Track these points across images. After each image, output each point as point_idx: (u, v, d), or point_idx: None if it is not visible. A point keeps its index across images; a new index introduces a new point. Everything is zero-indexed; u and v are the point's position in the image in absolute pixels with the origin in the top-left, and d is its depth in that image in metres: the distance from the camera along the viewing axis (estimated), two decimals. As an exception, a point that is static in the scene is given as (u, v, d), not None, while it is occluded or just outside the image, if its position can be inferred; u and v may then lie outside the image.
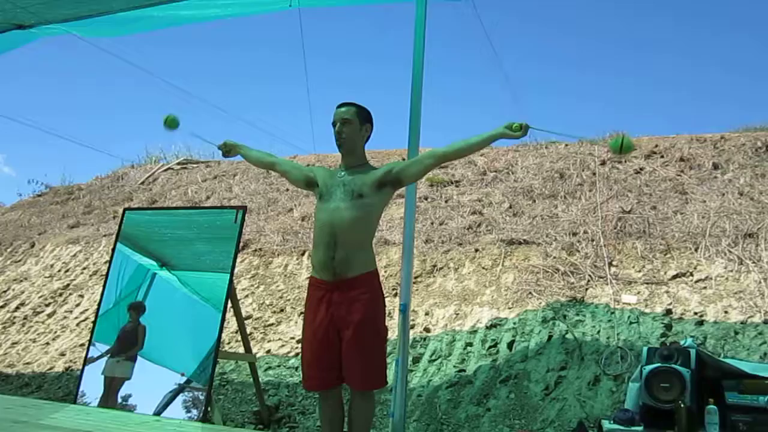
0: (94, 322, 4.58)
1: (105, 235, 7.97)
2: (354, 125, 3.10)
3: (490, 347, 4.73)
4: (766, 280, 4.59)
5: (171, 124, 3.65)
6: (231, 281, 4.08)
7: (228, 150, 3.57)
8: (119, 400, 4.14)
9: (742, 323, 4.31)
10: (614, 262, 5.20)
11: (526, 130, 2.83)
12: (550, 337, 4.63)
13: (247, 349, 4.33)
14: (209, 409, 3.89)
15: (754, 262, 4.79)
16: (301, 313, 3.20)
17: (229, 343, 5.52)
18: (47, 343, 6.36)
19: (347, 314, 2.93)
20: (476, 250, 5.80)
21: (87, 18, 4.85)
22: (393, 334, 4.79)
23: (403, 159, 3.76)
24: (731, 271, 4.79)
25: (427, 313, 5.27)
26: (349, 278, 2.95)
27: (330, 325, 2.95)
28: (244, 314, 5.24)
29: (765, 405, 3.02)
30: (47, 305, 7.03)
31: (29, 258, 8.24)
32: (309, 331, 3.07)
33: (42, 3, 4.59)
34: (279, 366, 5.17)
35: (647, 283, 4.88)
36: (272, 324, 5.73)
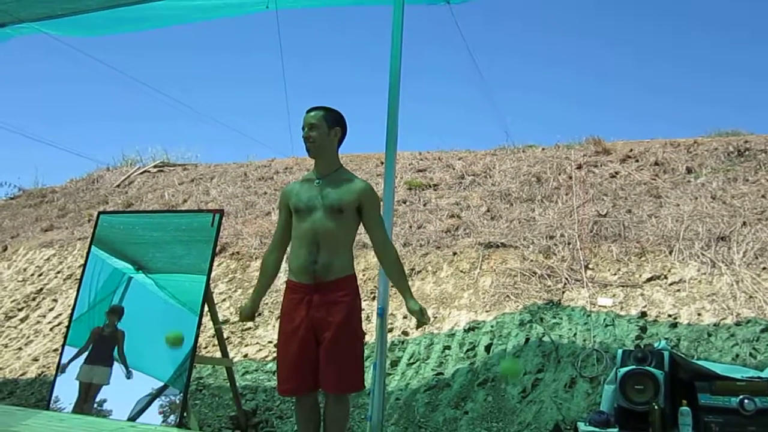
0: (68, 327, 4.51)
1: (80, 239, 7.86)
2: (321, 129, 3.08)
3: (467, 350, 4.75)
4: (737, 283, 4.67)
5: (175, 342, 3.88)
6: (208, 285, 4.05)
7: (250, 315, 3.34)
8: (94, 405, 4.08)
9: (714, 325, 4.38)
10: (590, 265, 5.25)
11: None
12: (527, 339, 4.66)
13: (224, 353, 4.30)
14: (185, 414, 3.85)
15: (726, 265, 4.86)
16: (279, 317, 3.18)
17: (206, 347, 5.48)
18: (20, 348, 6.25)
19: (327, 316, 2.92)
20: (454, 254, 5.82)
21: (61, 17, 4.79)
22: (371, 337, 4.79)
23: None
24: (704, 273, 4.86)
25: (405, 317, 5.28)
26: (329, 281, 2.95)
27: (309, 328, 2.94)
28: (221, 318, 5.20)
29: (737, 406, 3.07)
30: (20, 310, 6.91)
31: (1, 262, 8.10)
32: (286, 334, 3.05)
33: (15, 1, 4.52)
34: (256, 370, 5.14)
35: (622, 286, 4.94)
36: (249, 328, 5.70)
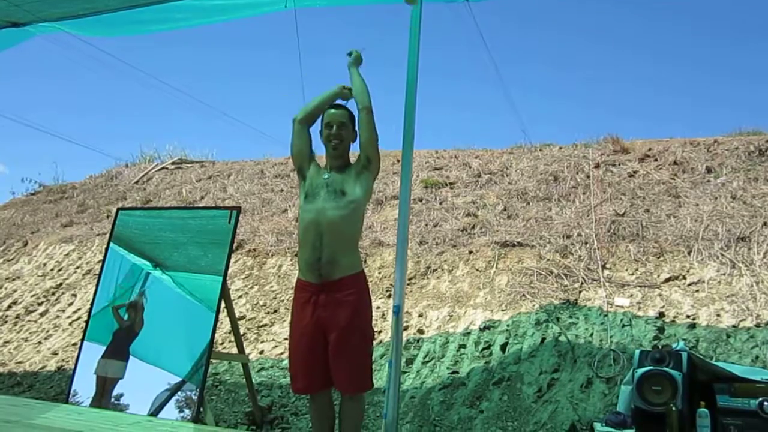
0: (86, 322, 4.56)
1: (98, 235, 7.94)
2: (348, 128, 3.14)
3: (483, 349, 4.74)
4: (758, 284, 4.62)
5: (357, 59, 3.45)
6: (224, 283, 4.08)
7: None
8: (111, 399, 4.13)
9: (733, 327, 4.33)
10: (607, 265, 5.21)
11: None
12: (543, 339, 4.64)
13: (240, 349, 4.32)
14: (201, 409, 3.88)
15: (746, 266, 4.81)
16: (291, 315, 3.21)
17: (222, 343, 5.51)
18: (39, 342, 6.33)
19: (333, 317, 2.93)
20: (470, 252, 5.80)
21: (82, 17, 4.82)
22: (386, 335, 4.80)
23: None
24: (723, 274, 4.81)
25: (420, 315, 5.28)
26: (334, 280, 2.95)
27: (316, 328, 2.95)
28: (237, 315, 5.23)
29: (756, 408, 3.03)
30: (40, 304, 7.00)
31: (22, 257, 8.21)
32: (296, 333, 3.07)
33: (37, 1, 4.56)
34: (272, 367, 5.16)
35: (640, 286, 4.90)
36: (266, 325, 5.73)
